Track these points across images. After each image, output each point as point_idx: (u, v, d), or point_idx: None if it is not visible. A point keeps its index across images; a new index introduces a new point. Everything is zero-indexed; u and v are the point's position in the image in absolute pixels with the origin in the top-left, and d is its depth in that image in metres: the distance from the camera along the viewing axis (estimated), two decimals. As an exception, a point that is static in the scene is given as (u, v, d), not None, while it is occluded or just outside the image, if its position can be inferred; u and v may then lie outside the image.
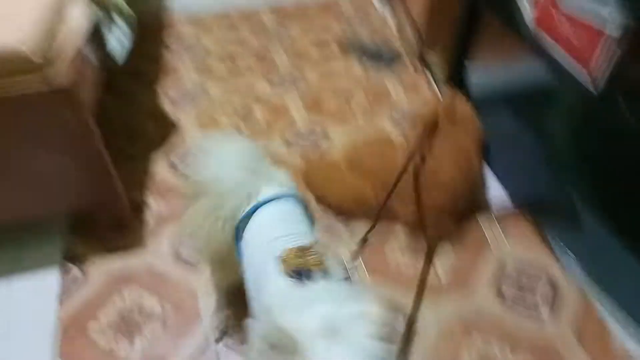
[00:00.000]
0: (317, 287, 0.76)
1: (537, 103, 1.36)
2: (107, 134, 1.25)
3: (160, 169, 1.62)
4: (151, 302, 1.27)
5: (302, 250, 0.85)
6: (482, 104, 1.67)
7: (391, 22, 2.32)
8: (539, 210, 1.42)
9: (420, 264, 1.33)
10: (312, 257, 0.83)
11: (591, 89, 1.06)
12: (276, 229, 0.91)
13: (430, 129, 1.47)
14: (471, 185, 1.38)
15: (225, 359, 1.16)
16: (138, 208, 1.50)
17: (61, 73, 1.08)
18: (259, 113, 1.85)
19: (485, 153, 1.51)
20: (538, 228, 1.41)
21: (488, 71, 1.89)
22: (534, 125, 1.40)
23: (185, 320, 1.24)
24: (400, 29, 2.21)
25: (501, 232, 1.41)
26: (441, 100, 1.57)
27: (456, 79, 1.76)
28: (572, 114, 1.26)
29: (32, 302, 1.29)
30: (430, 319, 1.22)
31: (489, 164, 1.52)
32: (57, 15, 1.16)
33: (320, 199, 1.47)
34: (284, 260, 0.82)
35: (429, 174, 1.34)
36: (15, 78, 1.04)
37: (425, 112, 1.52)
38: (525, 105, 1.45)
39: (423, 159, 1.38)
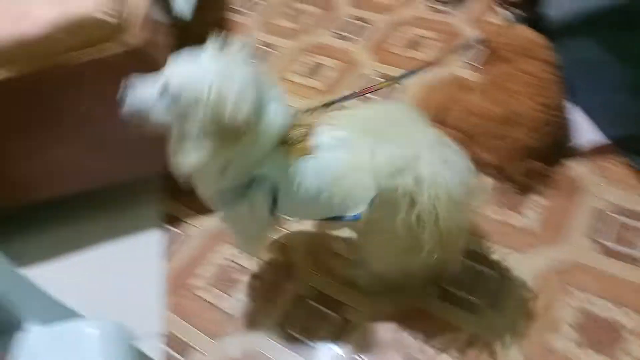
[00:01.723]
0: None
1: (625, 24, 1.26)
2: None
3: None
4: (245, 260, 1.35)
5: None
6: (559, 32, 1.56)
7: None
8: (636, 145, 1.33)
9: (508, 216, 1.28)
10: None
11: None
12: None
13: (496, 57, 1.40)
14: (555, 119, 1.31)
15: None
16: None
17: (135, 34, 1.14)
18: (327, 67, 1.84)
19: (567, 85, 1.43)
20: (635, 167, 1.31)
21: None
22: (623, 50, 1.30)
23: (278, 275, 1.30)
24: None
25: (594, 173, 1.33)
26: (510, 31, 1.47)
27: (527, 8, 1.65)
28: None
29: (139, 260, 1.41)
30: (524, 270, 1.19)
31: (572, 98, 1.44)
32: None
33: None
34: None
35: (506, 112, 1.29)
36: (93, 44, 1.11)
37: (492, 42, 1.45)
38: (610, 28, 1.35)
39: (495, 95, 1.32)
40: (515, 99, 1.30)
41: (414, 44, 1.83)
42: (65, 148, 1.27)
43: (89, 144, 1.28)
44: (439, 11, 1.95)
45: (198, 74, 0.84)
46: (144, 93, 0.88)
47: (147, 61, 1.16)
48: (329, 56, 1.87)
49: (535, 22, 1.61)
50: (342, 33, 1.95)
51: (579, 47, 1.58)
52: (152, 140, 1.31)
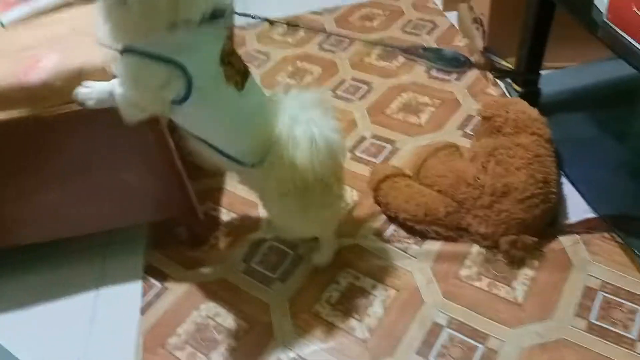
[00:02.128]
0: None
1: (619, 104, 1.29)
2: (180, 147, 1.31)
3: (234, 185, 1.66)
4: (227, 318, 1.31)
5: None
6: (554, 108, 1.60)
7: (456, 26, 2.27)
8: (626, 224, 1.33)
9: (498, 288, 1.28)
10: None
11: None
12: None
13: (492, 129, 1.43)
14: (547, 193, 1.32)
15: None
16: (213, 221, 1.56)
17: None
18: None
19: (561, 160, 1.44)
20: (626, 245, 1.31)
21: (560, 74, 1.83)
22: (616, 129, 1.33)
23: (259, 337, 1.26)
24: (466, 34, 2.16)
25: (585, 249, 1.33)
26: (507, 103, 1.51)
27: (525, 83, 1.70)
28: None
29: (115, 313, 1.37)
30: (510, 345, 1.16)
31: (565, 173, 1.45)
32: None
33: (385, 207, 1.46)
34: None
35: (501, 184, 1.30)
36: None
37: (488, 113, 1.48)
38: (605, 107, 1.38)
39: (491, 166, 1.34)
40: (508, 171, 1.31)
41: (412, 109, 1.87)
42: (53, 193, 1.26)
43: (79, 191, 1.28)
44: (439, 79, 2.00)
45: None
46: None
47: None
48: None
49: (532, 96, 1.65)
50: (342, 94, 1.99)
51: (573, 123, 1.61)
52: (141, 189, 1.34)
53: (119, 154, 1.24)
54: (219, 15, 0.96)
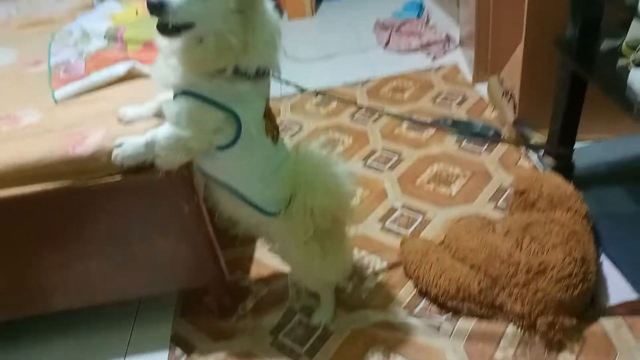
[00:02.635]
0: None
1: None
2: (213, 214, 1.33)
3: (261, 252, 1.67)
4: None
5: None
6: (589, 182, 1.57)
7: (486, 98, 2.30)
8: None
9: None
10: None
11: None
12: None
13: (526, 203, 1.40)
14: (587, 273, 1.27)
15: None
16: (241, 291, 1.55)
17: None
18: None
19: (599, 238, 1.40)
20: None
21: (594, 147, 1.81)
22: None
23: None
24: (496, 106, 2.18)
25: (630, 334, 1.25)
26: (541, 178, 1.49)
27: (559, 156, 1.69)
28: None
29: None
30: None
31: (604, 251, 1.40)
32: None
33: (416, 280, 1.43)
34: None
35: (537, 262, 1.26)
36: (133, 169, 1.16)
37: (522, 187, 1.47)
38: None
39: (526, 242, 1.31)
40: (544, 248, 1.28)
41: (443, 180, 1.87)
42: (91, 262, 1.30)
43: (114, 259, 1.31)
44: (469, 151, 2.01)
45: None
46: None
47: (187, 189, 1.22)
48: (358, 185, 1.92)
49: (565, 169, 1.63)
50: (373, 163, 2.02)
51: (610, 198, 1.58)
52: (174, 258, 1.36)
53: (155, 224, 1.28)
54: (266, 73, 1.06)
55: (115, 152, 1.11)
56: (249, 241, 1.71)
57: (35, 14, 2.18)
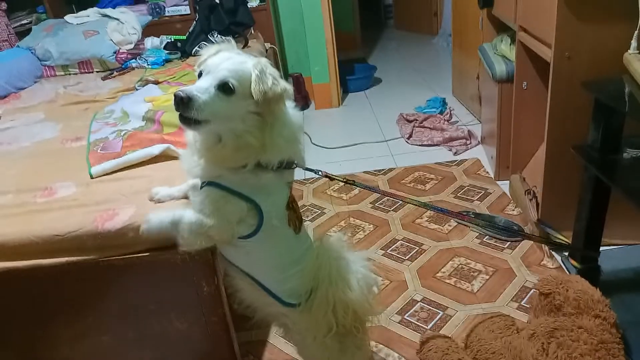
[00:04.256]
0: None
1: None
2: (230, 295, 1.32)
3: (276, 339, 1.63)
4: None
5: None
6: (617, 288, 1.53)
7: (508, 194, 2.32)
8: None
9: None
10: None
11: None
12: None
13: (552, 307, 1.36)
14: (617, 387, 1.20)
15: None
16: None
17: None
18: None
19: (628, 347, 1.34)
20: None
21: (621, 251, 1.78)
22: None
23: None
24: (518, 203, 2.19)
25: None
26: (567, 280, 1.45)
27: (585, 259, 1.66)
28: None
29: None
30: None
31: (635, 361, 1.34)
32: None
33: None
34: None
35: (565, 372, 1.20)
36: (156, 247, 1.19)
37: (546, 290, 1.43)
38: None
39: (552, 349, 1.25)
40: (572, 357, 1.22)
41: (464, 275, 1.84)
42: (102, 336, 1.29)
43: (127, 336, 1.30)
44: (491, 246, 1.99)
45: (240, 64, 1.02)
46: (200, 93, 0.97)
47: (208, 270, 1.23)
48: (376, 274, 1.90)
49: (591, 272, 1.60)
50: (393, 253, 2.00)
51: (638, 305, 1.52)
52: (188, 338, 1.34)
53: (172, 303, 1.28)
54: (289, 166, 1.10)
55: (143, 224, 1.13)
56: (264, 325, 1.67)
57: (80, 93, 2.33)
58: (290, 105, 1.09)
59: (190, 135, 1.07)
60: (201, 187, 1.07)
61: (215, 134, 1.02)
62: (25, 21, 3.12)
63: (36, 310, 1.26)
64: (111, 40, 2.77)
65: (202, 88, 0.97)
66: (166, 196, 1.25)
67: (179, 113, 0.97)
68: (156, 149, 1.45)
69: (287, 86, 1.04)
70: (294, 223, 1.16)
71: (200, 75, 1.02)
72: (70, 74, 2.77)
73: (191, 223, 1.08)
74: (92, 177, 1.39)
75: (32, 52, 2.76)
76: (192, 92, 0.95)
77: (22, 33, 3.00)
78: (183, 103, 0.94)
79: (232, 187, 1.05)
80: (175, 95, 0.95)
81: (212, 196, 1.06)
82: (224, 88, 0.98)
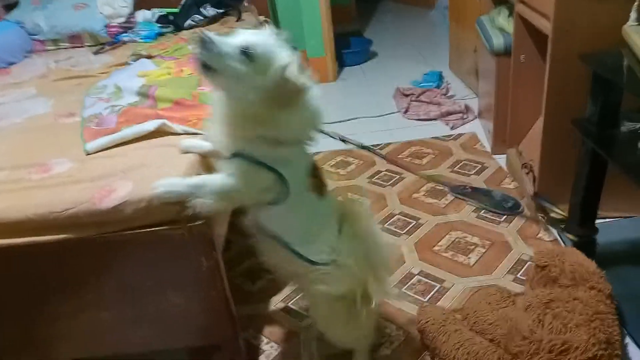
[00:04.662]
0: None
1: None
2: (229, 269, 1.33)
3: (276, 313, 1.65)
4: None
5: None
6: (612, 260, 1.55)
7: (505, 168, 2.32)
8: None
9: None
10: None
11: None
12: None
13: (548, 279, 1.37)
14: (612, 356, 1.22)
15: None
16: (253, 350, 1.52)
17: (198, 218, 1.19)
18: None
19: (623, 319, 1.36)
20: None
21: (616, 224, 1.79)
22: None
23: None
24: (515, 177, 2.19)
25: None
26: (563, 253, 1.47)
27: (580, 232, 1.67)
28: None
29: None
30: None
31: (629, 333, 1.36)
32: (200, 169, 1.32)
33: (433, 352, 1.39)
34: None
35: (560, 341, 1.22)
36: (156, 222, 1.18)
37: (543, 262, 1.44)
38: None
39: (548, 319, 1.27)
40: (567, 327, 1.24)
41: (461, 249, 1.85)
42: (105, 312, 1.29)
43: (128, 311, 1.30)
44: (488, 220, 2.00)
45: (273, 43, 1.06)
46: (224, 45, 1.01)
47: (206, 246, 1.22)
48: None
49: (587, 245, 1.61)
50: (391, 228, 2.01)
51: (634, 278, 1.55)
52: (188, 314, 1.34)
53: (171, 279, 1.27)
54: (309, 140, 1.18)
55: (156, 189, 1.14)
56: (265, 298, 1.69)
57: (72, 68, 2.29)
58: (315, 94, 1.13)
59: (212, 107, 1.15)
60: (229, 159, 1.13)
61: (228, 97, 1.08)
62: (12, -7, 3.04)
63: (34, 287, 1.26)
64: (101, 13, 2.71)
65: (227, 41, 1.01)
66: (198, 146, 1.32)
67: (198, 57, 1.00)
68: (151, 125, 1.43)
69: (307, 84, 1.07)
70: (318, 189, 1.24)
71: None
72: (61, 49, 2.70)
73: (221, 186, 1.13)
74: (87, 154, 1.38)
75: (21, 26, 2.70)
76: (215, 38, 0.99)
77: (9, 7, 2.92)
78: (205, 46, 0.98)
79: (257, 158, 1.11)
80: (199, 36, 0.99)
81: (241, 166, 1.11)
82: (246, 53, 1.01)
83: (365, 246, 1.27)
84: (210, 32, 1.00)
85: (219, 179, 1.14)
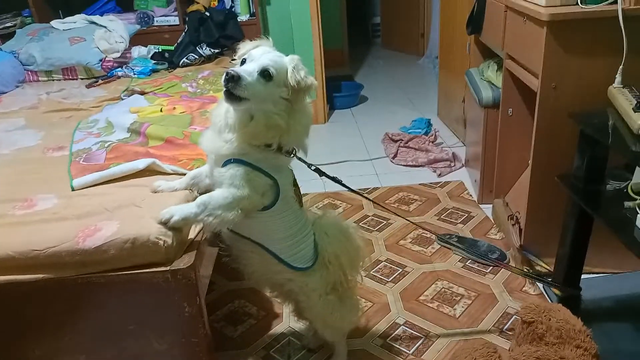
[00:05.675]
0: None
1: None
2: (211, 313, 1.30)
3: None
4: None
5: None
6: (597, 316, 1.54)
7: (491, 219, 2.33)
8: None
9: None
10: None
11: None
12: None
13: (534, 335, 1.36)
14: (598, 419, 1.20)
15: None
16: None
17: (182, 263, 1.18)
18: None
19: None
20: None
21: (602, 280, 1.80)
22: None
23: None
24: (501, 228, 2.20)
25: None
26: (549, 309, 1.46)
27: (565, 288, 1.67)
28: None
29: None
30: None
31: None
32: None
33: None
34: None
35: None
36: (141, 264, 1.16)
37: (529, 318, 1.43)
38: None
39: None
40: (553, 388, 1.22)
41: (446, 299, 1.84)
42: (79, 356, 1.24)
43: (103, 356, 1.25)
44: (474, 271, 1.99)
45: (278, 55, 1.20)
46: (248, 74, 1.12)
47: (189, 290, 1.20)
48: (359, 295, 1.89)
49: (572, 300, 1.61)
50: (377, 275, 1.99)
51: (619, 335, 1.54)
52: (169, 355, 1.30)
53: (152, 323, 1.24)
54: (294, 152, 1.27)
55: (168, 217, 1.18)
56: (246, 344, 1.64)
57: (64, 100, 2.29)
58: (308, 99, 1.26)
59: (215, 116, 1.22)
60: (223, 165, 1.19)
61: (249, 113, 1.16)
62: (9, 24, 3.05)
63: (9, 328, 1.22)
64: (97, 47, 2.73)
65: (247, 71, 1.12)
66: (168, 188, 1.36)
67: (225, 89, 1.10)
68: (141, 164, 1.42)
69: (314, 81, 1.20)
70: (298, 198, 1.34)
71: (242, 63, 1.18)
72: (53, 80, 2.71)
73: (226, 197, 1.18)
74: (73, 190, 1.36)
75: (15, 56, 2.71)
76: (241, 72, 1.10)
77: (6, 36, 2.94)
78: (234, 80, 1.08)
79: (256, 164, 1.19)
80: (227, 73, 1.09)
81: (241, 170, 1.18)
82: (265, 74, 1.14)
83: (338, 241, 1.38)
84: (235, 68, 1.13)
85: (221, 192, 1.19)
